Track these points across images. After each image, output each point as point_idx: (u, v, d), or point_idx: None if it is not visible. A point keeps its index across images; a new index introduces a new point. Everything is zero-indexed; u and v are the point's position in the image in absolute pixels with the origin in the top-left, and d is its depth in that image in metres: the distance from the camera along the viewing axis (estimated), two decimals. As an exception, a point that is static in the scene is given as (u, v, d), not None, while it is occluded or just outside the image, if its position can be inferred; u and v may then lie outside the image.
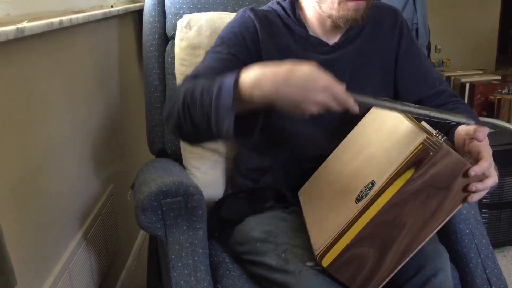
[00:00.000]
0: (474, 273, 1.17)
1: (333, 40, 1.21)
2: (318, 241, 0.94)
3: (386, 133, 1.00)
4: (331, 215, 0.96)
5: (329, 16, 1.15)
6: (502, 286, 1.17)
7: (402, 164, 0.86)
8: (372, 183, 0.89)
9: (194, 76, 1.06)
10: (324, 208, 1.00)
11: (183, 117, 0.94)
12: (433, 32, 3.15)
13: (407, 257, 0.91)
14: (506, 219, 1.97)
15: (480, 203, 1.83)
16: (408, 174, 0.85)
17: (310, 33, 1.21)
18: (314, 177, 1.15)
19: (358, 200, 0.89)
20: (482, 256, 1.19)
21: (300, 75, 0.83)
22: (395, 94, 1.27)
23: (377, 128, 1.06)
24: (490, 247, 1.21)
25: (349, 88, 1.16)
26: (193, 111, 0.91)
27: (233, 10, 1.49)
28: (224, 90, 0.85)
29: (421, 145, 0.85)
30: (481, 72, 3.63)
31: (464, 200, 0.89)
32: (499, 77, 3.45)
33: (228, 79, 0.86)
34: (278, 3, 1.25)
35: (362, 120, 1.13)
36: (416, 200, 0.87)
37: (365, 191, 0.89)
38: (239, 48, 1.16)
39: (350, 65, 1.21)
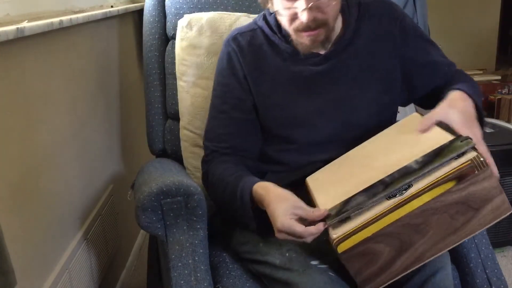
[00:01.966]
0: (474, 273, 1.17)
1: (324, 49, 1.17)
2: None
3: (424, 141, 0.99)
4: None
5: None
6: (502, 286, 1.17)
7: (446, 174, 0.87)
8: (409, 185, 0.89)
9: (213, 151, 1.19)
10: (344, 195, 0.98)
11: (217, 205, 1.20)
12: (433, 32, 3.14)
13: (416, 265, 0.91)
14: (506, 219, 1.93)
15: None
16: (448, 185, 0.87)
17: (297, 48, 1.16)
18: (328, 167, 1.13)
19: (390, 197, 0.89)
20: (482, 256, 1.19)
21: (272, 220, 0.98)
22: (411, 89, 1.23)
23: (408, 136, 1.05)
24: (490, 247, 1.21)
25: (349, 95, 1.16)
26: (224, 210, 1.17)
27: (233, 10, 1.49)
28: (245, 209, 1.06)
29: (470, 162, 0.87)
30: (481, 72, 3.63)
31: (485, 226, 0.91)
32: (499, 77, 3.45)
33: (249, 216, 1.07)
34: (264, 17, 1.21)
35: (388, 129, 1.13)
36: (445, 213, 0.88)
37: (399, 190, 0.89)
38: (236, 93, 1.19)
39: (347, 72, 1.17)
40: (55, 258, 1.14)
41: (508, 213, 0.91)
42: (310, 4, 1.03)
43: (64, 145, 1.21)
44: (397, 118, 1.29)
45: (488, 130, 2.02)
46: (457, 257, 1.19)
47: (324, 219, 0.94)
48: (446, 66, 1.24)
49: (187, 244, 1.07)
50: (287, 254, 1.03)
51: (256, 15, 1.31)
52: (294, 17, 1.07)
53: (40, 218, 1.07)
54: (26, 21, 1.00)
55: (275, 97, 1.17)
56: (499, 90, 3.26)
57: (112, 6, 1.63)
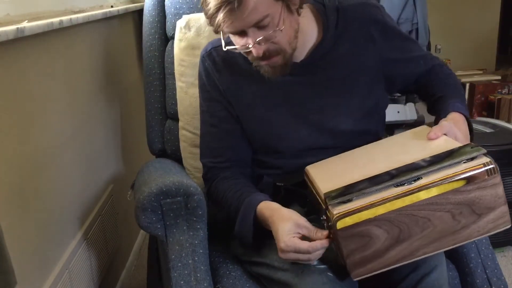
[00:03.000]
0: (474, 273, 1.17)
1: (300, 57, 1.14)
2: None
3: (432, 147, 1.00)
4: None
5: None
6: (502, 286, 1.18)
7: (458, 173, 0.88)
8: (419, 177, 0.89)
9: (209, 169, 1.20)
10: (348, 177, 0.97)
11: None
12: (433, 32, 3.15)
13: (407, 260, 0.91)
14: (506, 219, 1.96)
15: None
16: (457, 184, 0.88)
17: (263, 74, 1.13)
18: (330, 159, 1.12)
19: (397, 185, 0.89)
20: (482, 256, 1.19)
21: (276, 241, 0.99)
22: (392, 86, 1.23)
23: (416, 142, 1.06)
24: (490, 247, 1.21)
25: (333, 103, 1.16)
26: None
27: (233, 10, 1.49)
28: (246, 229, 1.07)
29: (482, 165, 0.88)
30: (481, 72, 3.63)
31: (483, 235, 0.92)
32: (499, 77, 3.46)
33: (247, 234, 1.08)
34: None
35: (394, 136, 1.13)
36: (449, 212, 0.89)
37: (408, 180, 0.89)
38: (221, 106, 1.19)
39: (329, 80, 1.15)
40: (55, 258, 1.14)
41: (507, 227, 0.92)
42: (258, 39, 1.01)
43: (64, 145, 1.21)
44: (398, 118, 1.29)
45: (488, 130, 2.02)
46: (457, 257, 1.19)
47: (329, 235, 0.93)
48: (422, 58, 1.24)
49: (187, 244, 1.07)
50: None
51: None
52: (247, 51, 1.06)
53: (40, 218, 1.07)
54: (26, 21, 1.00)
55: (256, 110, 1.16)
56: (499, 90, 3.27)
57: (112, 6, 1.63)
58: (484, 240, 1.20)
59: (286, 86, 1.15)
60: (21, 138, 0.99)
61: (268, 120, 1.16)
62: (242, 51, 1.07)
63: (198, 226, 1.08)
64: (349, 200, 0.89)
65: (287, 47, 1.06)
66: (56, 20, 1.09)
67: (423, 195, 0.87)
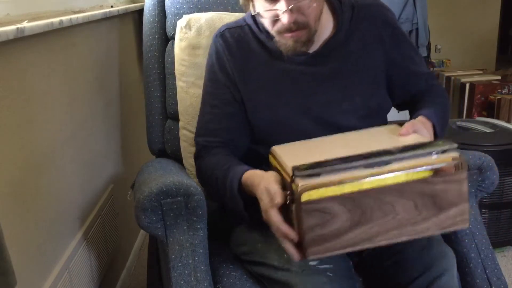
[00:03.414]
0: (474, 273, 1.17)
1: (313, 48, 1.16)
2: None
3: (403, 140, 1.02)
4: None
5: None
6: (502, 286, 1.18)
7: (427, 162, 0.89)
8: (389, 161, 0.89)
9: (204, 146, 1.20)
10: (317, 157, 0.95)
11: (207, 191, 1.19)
12: (433, 32, 3.15)
13: (362, 246, 0.90)
14: (506, 219, 1.97)
15: (480, 203, 1.83)
16: (425, 174, 0.89)
17: (280, 48, 1.15)
18: (299, 142, 1.10)
19: (367, 167, 0.89)
20: (482, 256, 1.19)
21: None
22: (391, 94, 1.25)
23: (387, 136, 1.07)
24: (490, 247, 1.21)
25: (338, 98, 1.16)
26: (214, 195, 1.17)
27: (233, 10, 1.49)
28: (234, 200, 1.07)
29: (451, 159, 0.89)
30: (481, 72, 3.63)
31: (440, 230, 0.93)
32: (499, 77, 3.45)
33: (235, 199, 1.07)
34: (252, 16, 1.20)
35: (366, 129, 1.13)
36: (412, 201, 0.89)
37: (378, 164, 0.89)
38: (226, 88, 1.19)
39: (337, 75, 1.16)
40: (55, 258, 1.14)
41: (465, 227, 0.92)
42: (291, 6, 1.04)
43: (64, 145, 1.21)
44: (397, 119, 1.30)
45: (488, 130, 2.02)
46: (457, 257, 1.19)
47: (288, 207, 0.92)
48: (425, 76, 1.27)
49: (187, 244, 1.07)
50: (285, 255, 1.02)
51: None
52: (275, 19, 1.08)
53: (40, 218, 1.07)
54: (26, 21, 1.00)
55: (262, 95, 1.17)
56: (499, 90, 3.26)
57: (112, 6, 1.63)
58: (484, 240, 1.20)
59: (295, 75, 1.16)
60: (21, 138, 0.99)
61: (272, 106, 1.16)
62: (271, 19, 1.08)
63: (198, 226, 1.08)
64: (318, 175, 0.88)
65: (313, 24, 1.09)
66: (56, 20, 1.09)
67: (390, 180, 0.88)
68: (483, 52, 4.10)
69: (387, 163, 0.89)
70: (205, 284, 1.05)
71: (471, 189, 1.21)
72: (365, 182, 0.87)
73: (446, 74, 3.58)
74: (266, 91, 1.17)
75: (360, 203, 0.88)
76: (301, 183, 0.87)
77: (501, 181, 1.88)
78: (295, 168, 0.89)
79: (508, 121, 2.87)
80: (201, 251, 1.07)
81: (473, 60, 3.99)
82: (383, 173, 0.88)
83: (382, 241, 0.90)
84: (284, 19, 1.05)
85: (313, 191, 0.86)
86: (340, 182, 0.87)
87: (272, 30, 1.11)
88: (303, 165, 0.90)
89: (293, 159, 0.97)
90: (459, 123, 2.10)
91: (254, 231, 1.14)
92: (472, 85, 3.31)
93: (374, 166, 0.89)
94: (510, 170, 1.89)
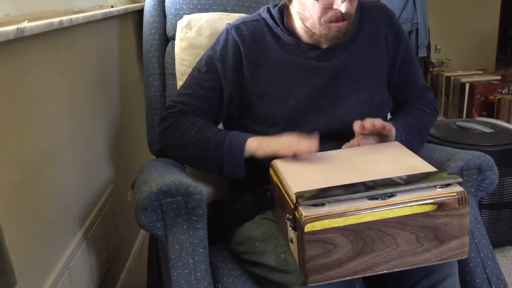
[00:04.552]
0: (474, 272, 1.17)
1: (324, 45, 1.21)
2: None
3: (406, 161, 1.03)
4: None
5: (312, 34, 1.17)
6: (502, 286, 1.17)
7: (431, 196, 0.90)
8: (393, 194, 0.90)
9: (182, 110, 1.21)
10: (320, 179, 0.97)
11: (183, 155, 1.24)
12: (433, 32, 3.15)
13: (364, 274, 0.91)
14: (506, 219, 1.97)
15: (480, 203, 1.83)
16: (428, 208, 0.89)
17: (300, 40, 1.21)
18: (302, 160, 1.10)
19: (371, 198, 0.89)
20: (482, 256, 1.19)
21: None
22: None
23: (389, 155, 1.08)
24: (490, 247, 1.21)
25: (345, 93, 1.20)
26: (198, 160, 1.20)
27: (232, 11, 1.49)
28: (235, 159, 1.14)
29: (456, 194, 0.90)
30: (481, 72, 3.63)
31: (439, 261, 0.93)
32: (499, 77, 3.45)
33: (238, 149, 1.13)
34: (268, 10, 1.25)
35: (367, 146, 1.14)
36: (414, 234, 0.90)
37: (382, 195, 0.90)
38: (218, 77, 1.22)
39: (346, 70, 1.21)
40: (55, 258, 1.14)
41: (464, 258, 0.94)
42: None
43: (64, 145, 1.21)
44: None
45: (488, 130, 2.02)
46: (457, 257, 1.19)
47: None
48: (419, 87, 1.31)
49: (187, 244, 1.07)
50: (282, 255, 1.03)
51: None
52: (328, 7, 1.11)
53: (40, 218, 1.07)
54: (26, 21, 1.00)
55: (272, 87, 1.20)
56: (499, 90, 3.26)
57: (112, 6, 1.63)
58: (484, 240, 1.20)
59: (306, 69, 1.20)
60: (21, 138, 0.99)
61: (282, 98, 1.19)
62: (326, 6, 1.11)
63: (198, 226, 1.08)
64: (322, 205, 0.88)
65: (353, 16, 1.17)
66: (56, 20, 1.09)
67: (394, 213, 0.88)
68: (483, 52, 4.10)
69: (390, 195, 0.89)
70: (205, 284, 1.05)
71: (471, 188, 1.21)
72: (368, 214, 0.88)
73: (446, 74, 3.58)
74: (276, 83, 1.20)
75: (362, 235, 0.88)
76: (305, 213, 0.87)
77: (501, 181, 1.88)
78: (299, 196, 0.90)
79: (508, 121, 2.87)
80: (201, 250, 1.07)
81: (473, 60, 3.99)
82: (386, 207, 0.88)
83: (382, 270, 0.91)
84: (343, 7, 1.09)
85: (317, 222, 0.87)
86: (343, 214, 0.88)
87: (318, 19, 1.13)
88: (307, 192, 0.90)
89: (296, 180, 0.98)
90: (459, 123, 2.10)
91: (253, 230, 1.14)
92: (472, 85, 3.31)
93: (377, 198, 0.89)
94: (510, 170, 1.89)
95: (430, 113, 1.29)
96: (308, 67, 1.20)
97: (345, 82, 1.20)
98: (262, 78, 1.21)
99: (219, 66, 1.22)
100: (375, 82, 1.24)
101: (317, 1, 1.10)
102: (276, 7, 1.25)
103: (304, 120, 1.18)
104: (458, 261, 1.18)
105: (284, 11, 1.23)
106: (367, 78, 1.22)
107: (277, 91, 1.20)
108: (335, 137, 1.16)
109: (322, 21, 1.13)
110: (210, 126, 1.19)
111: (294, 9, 1.18)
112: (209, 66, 1.24)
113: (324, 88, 1.20)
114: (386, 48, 1.25)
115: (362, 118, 1.15)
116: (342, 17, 1.11)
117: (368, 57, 1.23)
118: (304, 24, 1.17)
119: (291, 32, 1.21)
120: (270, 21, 1.23)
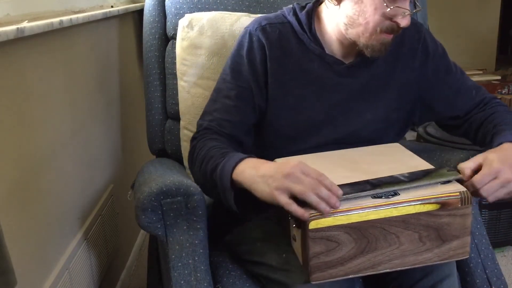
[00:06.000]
0: (474, 273, 1.17)
1: (348, 58, 1.16)
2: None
3: (407, 162, 1.03)
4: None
5: (354, 42, 1.10)
6: (502, 286, 1.18)
7: (434, 196, 0.90)
8: (397, 193, 0.91)
9: (214, 130, 1.12)
10: (326, 173, 0.94)
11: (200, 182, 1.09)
12: (433, 32, 3.14)
13: (366, 273, 0.92)
14: (506, 219, 1.97)
15: (480, 203, 1.83)
16: (431, 207, 0.90)
17: (326, 51, 1.15)
18: (307, 156, 1.10)
19: (375, 197, 0.90)
20: (482, 256, 1.19)
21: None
22: (430, 112, 1.23)
23: (392, 156, 1.08)
24: (490, 247, 1.21)
25: (361, 108, 1.16)
26: (207, 187, 1.07)
27: (233, 10, 1.49)
28: (224, 187, 0.98)
29: (459, 194, 0.91)
30: (481, 72, 3.62)
31: (440, 261, 0.94)
32: (499, 77, 3.45)
33: (225, 179, 0.97)
34: (294, 13, 1.17)
35: (371, 146, 1.14)
36: (417, 232, 0.91)
37: (386, 194, 0.90)
38: (248, 83, 1.14)
39: (366, 86, 1.16)
40: (55, 258, 1.14)
41: (465, 257, 0.95)
42: (416, 10, 1.07)
43: (64, 145, 1.21)
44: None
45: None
46: (457, 257, 1.19)
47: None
48: (473, 89, 1.22)
49: (187, 244, 1.07)
50: (284, 255, 1.03)
51: (257, 15, 1.30)
52: (388, 17, 1.05)
53: (40, 218, 1.07)
54: (26, 21, 1.00)
55: (289, 97, 1.14)
56: (499, 90, 3.26)
57: (112, 6, 1.63)
58: (484, 240, 1.20)
59: (327, 82, 1.15)
60: (21, 138, 0.99)
61: (297, 109, 1.15)
62: (391, 17, 1.04)
63: (198, 226, 1.08)
64: None
65: None
66: (56, 20, 1.09)
67: (398, 211, 0.89)
68: (483, 52, 4.10)
69: (394, 194, 0.90)
70: (205, 284, 1.05)
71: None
72: (372, 212, 0.88)
73: (446, 74, 3.57)
74: (294, 93, 1.15)
75: (366, 233, 0.89)
76: (311, 210, 0.88)
77: (501, 181, 1.87)
78: None
79: (508, 121, 2.87)
80: (201, 251, 1.07)
81: (473, 60, 3.99)
82: (389, 206, 0.89)
83: (385, 269, 0.92)
84: (404, 21, 1.04)
85: (321, 220, 0.87)
86: (348, 211, 0.88)
87: (371, 27, 1.06)
88: None
89: None
90: (459, 123, 2.10)
91: (254, 230, 1.14)
92: (472, 85, 3.30)
93: (381, 197, 0.90)
94: (510, 170, 1.88)
95: (505, 110, 1.19)
96: (329, 81, 1.15)
97: (364, 98, 1.16)
98: (281, 81, 1.14)
99: (248, 71, 1.14)
100: (395, 98, 1.18)
101: (380, 10, 1.03)
102: (304, 11, 1.16)
103: (317, 133, 1.15)
104: (458, 261, 1.19)
105: (312, 15, 1.16)
106: (387, 95, 1.17)
107: (293, 101, 1.14)
108: (341, 147, 1.13)
109: (378, 30, 1.06)
110: (211, 156, 1.05)
111: (341, 12, 1.09)
112: (235, 73, 1.15)
113: (341, 103, 1.15)
114: (413, 62, 1.18)
115: (373, 134, 1.15)
116: (398, 30, 1.06)
117: (390, 73, 1.17)
118: (347, 30, 1.09)
119: (318, 41, 1.15)
120: (296, 26, 1.15)
